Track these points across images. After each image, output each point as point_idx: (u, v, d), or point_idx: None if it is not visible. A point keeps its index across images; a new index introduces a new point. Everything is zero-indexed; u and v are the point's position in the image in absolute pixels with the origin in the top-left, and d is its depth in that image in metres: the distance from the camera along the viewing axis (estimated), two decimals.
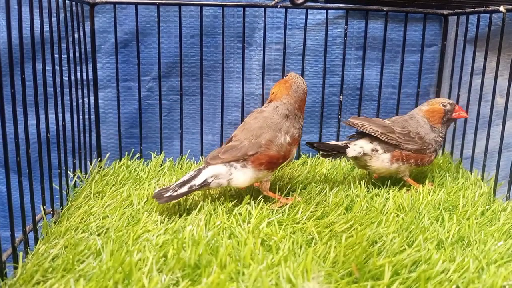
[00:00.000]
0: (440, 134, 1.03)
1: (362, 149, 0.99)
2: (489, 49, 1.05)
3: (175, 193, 0.84)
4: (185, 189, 0.85)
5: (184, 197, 0.89)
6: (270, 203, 0.90)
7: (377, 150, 0.99)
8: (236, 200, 0.91)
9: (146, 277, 0.62)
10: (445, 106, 1.03)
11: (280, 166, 0.92)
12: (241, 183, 0.88)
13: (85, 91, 1.12)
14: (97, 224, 0.81)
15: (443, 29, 1.21)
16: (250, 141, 0.88)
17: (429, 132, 1.01)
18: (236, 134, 0.93)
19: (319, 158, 1.24)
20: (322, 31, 1.21)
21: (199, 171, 0.87)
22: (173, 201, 0.86)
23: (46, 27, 0.84)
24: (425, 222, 0.84)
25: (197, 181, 0.86)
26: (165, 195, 0.84)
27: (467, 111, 1.11)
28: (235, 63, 1.24)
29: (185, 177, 0.87)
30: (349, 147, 0.99)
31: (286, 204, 0.89)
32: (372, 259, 0.68)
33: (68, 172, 1.00)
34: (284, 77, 0.97)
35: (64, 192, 0.95)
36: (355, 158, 1.01)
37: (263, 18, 1.17)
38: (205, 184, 0.86)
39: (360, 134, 1.02)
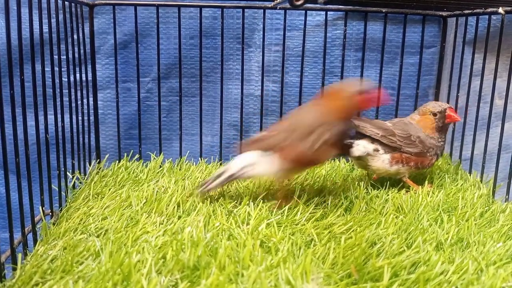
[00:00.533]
0: (439, 139, 1.03)
1: (366, 149, 1.00)
2: (488, 51, 1.05)
3: (212, 184, 0.89)
4: (221, 180, 0.89)
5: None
6: (269, 204, 0.90)
7: (378, 150, 0.99)
8: (235, 201, 0.91)
9: (145, 279, 0.62)
10: (435, 115, 1.02)
11: (309, 167, 0.90)
12: (267, 172, 0.87)
13: (84, 92, 1.12)
14: (96, 225, 0.81)
15: (442, 31, 1.21)
16: (284, 132, 0.87)
17: (429, 138, 1.02)
18: (277, 124, 0.92)
19: None
20: (322, 32, 1.21)
21: (231, 162, 0.90)
22: (211, 191, 0.91)
23: (45, 28, 0.85)
24: (424, 223, 0.84)
25: (232, 171, 0.89)
26: (203, 186, 0.90)
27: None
28: (234, 65, 1.24)
29: (221, 169, 0.91)
30: (353, 146, 1.00)
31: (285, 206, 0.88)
32: (371, 260, 0.68)
33: (67, 173, 0.99)
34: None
35: (63, 193, 0.94)
36: (358, 158, 1.01)
37: (262, 20, 1.17)
38: (239, 175, 0.88)
39: (360, 134, 1.02)
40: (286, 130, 0.87)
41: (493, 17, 1.07)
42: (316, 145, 0.85)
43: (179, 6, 1.14)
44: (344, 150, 0.98)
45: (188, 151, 1.26)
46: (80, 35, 1.07)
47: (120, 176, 1.07)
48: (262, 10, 1.17)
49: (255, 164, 0.88)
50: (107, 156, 1.23)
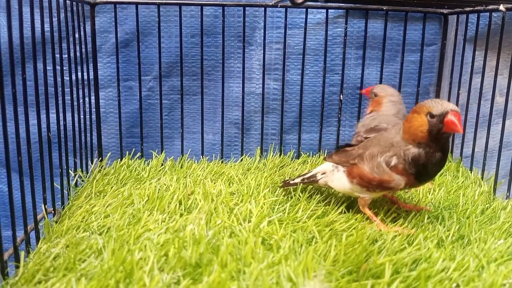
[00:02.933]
0: None
1: None
2: (489, 48, 1.05)
3: (292, 182, 0.94)
4: (298, 180, 0.93)
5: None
6: (268, 203, 0.90)
7: None
8: (237, 199, 0.91)
9: (147, 276, 0.62)
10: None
11: (380, 190, 0.81)
12: (336, 186, 0.88)
13: (86, 90, 1.12)
14: (98, 223, 0.82)
15: (443, 28, 1.21)
16: (359, 150, 0.84)
17: None
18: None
19: (319, 157, 1.24)
20: (322, 30, 1.21)
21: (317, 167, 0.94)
22: (292, 186, 0.95)
23: (46, 27, 0.85)
24: (425, 220, 0.85)
25: (308, 174, 0.92)
26: (286, 181, 0.96)
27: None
28: (235, 63, 1.24)
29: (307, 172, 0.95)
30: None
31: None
32: (372, 257, 0.68)
33: (69, 171, 1.00)
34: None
35: (65, 192, 0.95)
36: None
37: (263, 18, 1.17)
38: (313, 179, 0.91)
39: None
40: (364, 147, 0.84)
41: (494, 14, 1.07)
42: (380, 168, 0.79)
43: (180, 5, 1.15)
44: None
45: (190, 149, 1.27)
46: (82, 33, 1.07)
47: (122, 174, 1.08)
48: (263, 8, 1.17)
49: (330, 175, 0.88)
50: (109, 154, 1.23)
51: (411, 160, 0.76)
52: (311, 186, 0.99)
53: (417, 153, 0.76)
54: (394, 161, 0.78)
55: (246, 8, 1.17)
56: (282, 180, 1.01)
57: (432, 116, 0.74)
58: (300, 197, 0.92)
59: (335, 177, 0.87)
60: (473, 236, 0.79)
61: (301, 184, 0.93)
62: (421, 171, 0.77)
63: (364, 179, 0.81)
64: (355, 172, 0.82)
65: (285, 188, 0.97)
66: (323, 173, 0.90)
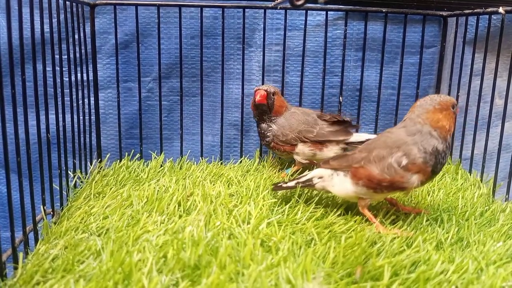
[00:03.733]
0: None
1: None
2: (488, 51, 1.05)
3: (285, 185, 0.92)
4: (292, 183, 0.91)
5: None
6: (267, 205, 0.90)
7: None
8: (236, 200, 0.91)
9: (146, 278, 0.62)
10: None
11: (389, 191, 0.81)
12: (337, 191, 0.86)
13: (86, 91, 1.12)
14: (97, 224, 0.81)
15: (442, 31, 1.21)
16: (362, 153, 0.83)
17: None
18: (368, 142, 0.89)
19: None
20: (322, 32, 1.21)
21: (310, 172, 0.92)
22: (285, 190, 0.94)
23: (46, 28, 0.85)
24: (424, 223, 0.85)
25: (303, 178, 0.91)
26: (278, 185, 0.93)
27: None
28: (235, 64, 1.24)
29: (302, 175, 0.92)
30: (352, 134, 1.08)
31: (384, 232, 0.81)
32: (371, 259, 0.68)
33: (68, 172, 1.00)
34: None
35: (64, 193, 0.95)
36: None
37: (263, 20, 1.17)
38: (309, 184, 0.89)
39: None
40: (366, 150, 0.83)
41: (493, 16, 1.07)
42: (391, 169, 0.79)
43: (180, 6, 1.15)
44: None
45: (189, 151, 1.27)
46: (81, 34, 1.07)
47: (121, 176, 1.08)
48: (263, 10, 1.17)
49: (328, 180, 0.87)
50: (108, 155, 1.23)
51: (432, 151, 0.79)
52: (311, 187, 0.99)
53: (435, 144, 0.80)
54: (405, 160, 0.79)
55: (246, 10, 1.17)
56: (273, 183, 0.99)
57: (454, 107, 0.82)
58: (299, 199, 0.92)
59: (335, 182, 0.86)
60: (472, 239, 0.79)
61: (295, 188, 0.91)
62: (439, 160, 0.80)
63: (373, 181, 0.80)
64: (361, 174, 0.81)
65: (278, 191, 0.94)
66: (320, 177, 0.88)
